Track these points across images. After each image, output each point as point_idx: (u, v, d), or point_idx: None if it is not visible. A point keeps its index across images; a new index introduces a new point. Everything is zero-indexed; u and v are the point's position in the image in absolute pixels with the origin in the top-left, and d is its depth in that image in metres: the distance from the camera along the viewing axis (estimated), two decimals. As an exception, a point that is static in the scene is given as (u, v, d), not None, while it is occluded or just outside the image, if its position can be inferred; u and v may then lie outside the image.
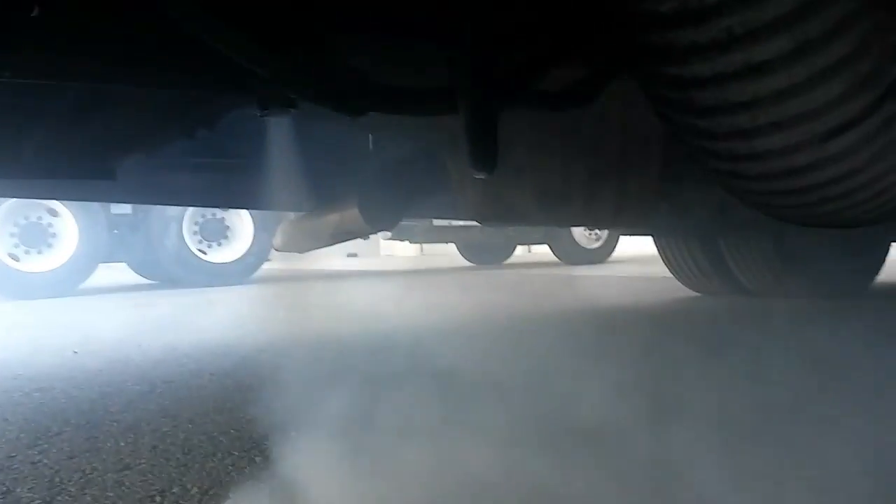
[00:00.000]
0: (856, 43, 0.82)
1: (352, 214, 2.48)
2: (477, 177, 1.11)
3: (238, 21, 0.85)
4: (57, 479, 1.26)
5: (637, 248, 12.50)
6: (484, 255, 10.21)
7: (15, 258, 6.06)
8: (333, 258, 11.78)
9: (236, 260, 6.98)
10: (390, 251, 15.94)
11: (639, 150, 1.86)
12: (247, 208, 6.03)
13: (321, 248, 2.94)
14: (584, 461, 1.09)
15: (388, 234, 8.99)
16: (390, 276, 8.13)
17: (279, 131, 1.87)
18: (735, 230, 3.52)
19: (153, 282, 7.45)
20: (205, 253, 6.87)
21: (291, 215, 3.08)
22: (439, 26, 0.94)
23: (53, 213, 6.21)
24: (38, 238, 6.15)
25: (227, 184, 2.42)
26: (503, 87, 0.98)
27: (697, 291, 4.20)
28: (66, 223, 6.23)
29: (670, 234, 3.94)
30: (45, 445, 1.48)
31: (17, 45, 0.81)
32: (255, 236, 7.03)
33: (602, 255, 9.43)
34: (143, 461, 1.35)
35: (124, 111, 1.32)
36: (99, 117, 1.32)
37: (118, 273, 8.42)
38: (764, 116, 0.85)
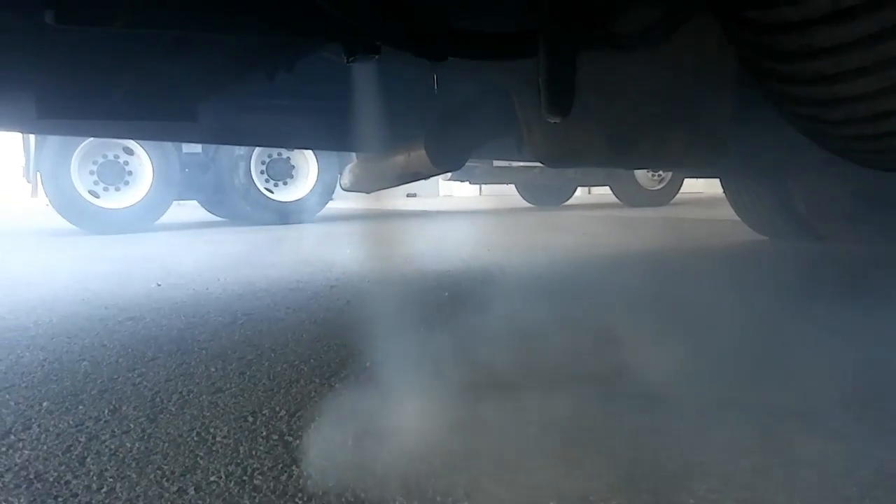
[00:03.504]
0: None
1: (418, 155, 2.52)
2: (550, 120, 1.13)
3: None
4: (157, 400, 1.38)
5: (702, 189, 12.21)
6: (544, 196, 10.15)
7: (95, 195, 6.36)
8: (394, 198, 11.91)
9: (302, 199, 7.16)
10: (450, 192, 15.99)
11: (711, 90, 1.83)
12: (317, 149, 6.15)
13: (387, 188, 3.00)
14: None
15: (448, 174, 9.01)
16: (452, 216, 8.20)
17: (350, 74, 1.91)
18: (807, 172, 3.42)
19: (222, 219, 7.72)
20: (271, 192, 7.07)
21: (356, 156, 3.15)
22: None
23: (129, 151, 6.46)
24: (115, 176, 6.43)
25: (298, 125, 2.48)
26: (582, 29, 0.99)
27: (766, 235, 4.11)
28: (142, 162, 6.49)
29: (739, 176, 3.84)
30: (143, 369, 1.60)
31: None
32: (319, 176, 7.17)
33: (665, 197, 9.24)
34: (233, 385, 1.45)
35: (210, 56, 1.37)
36: (186, 62, 1.38)
37: (190, 210, 8.75)
38: (849, 62, 0.84)
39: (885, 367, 1.40)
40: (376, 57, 0.99)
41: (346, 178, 3.10)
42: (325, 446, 1.08)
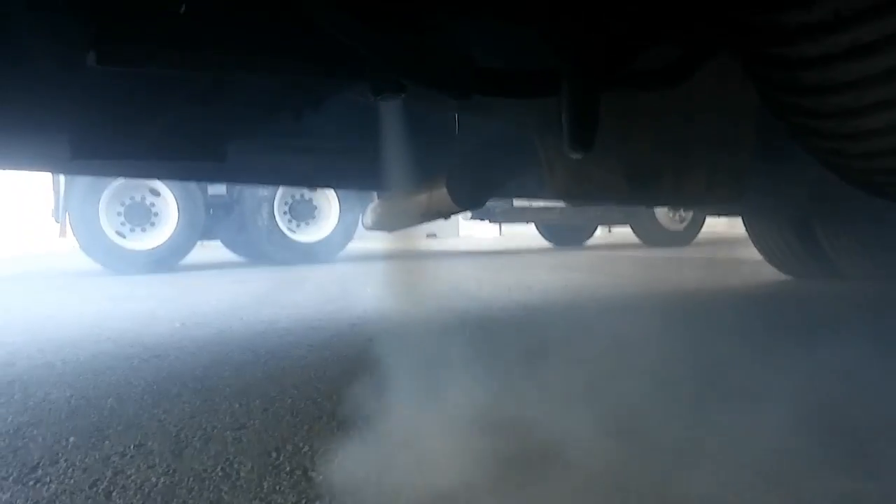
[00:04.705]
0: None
1: (440, 194, 2.54)
2: (572, 156, 1.15)
3: (354, 9, 0.92)
4: (182, 436, 1.38)
5: (724, 230, 12.13)
6: (564, 235, 10.15)
7: (122, 235, 6.47)
8: (414, 238, 11.96)
9: (323, 239, 7.24)
10: (470, 232, 16.04)
11: (731, 127, 1.84)
12: (340, 188, 6.24)
13: (409, 227, 3.03)
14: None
15: (469, 214, 9.07)
16: (472, 257, 8.21)
17: (374, 115, 1.95)
18: (831, 211, 3.40)
19: (245, 259, 7.80)
20: (294, 232, 7.15)
21: (378, 195, 3.19)
22: (544, 9, 0.98)
23: (155, 193, 6.59)
24: (141, 217, 6.55)
25: (323, 164, 2.53)
26: (605, 68, 1.01)
27: (789, 275, 4.07)
28: (168, 203, 6.61)
29: (761, 215, 3.83)
30: (168, 406, 1.62)
31: (165, 39, 0.91)
32: (340, 217, 7.26)
33: (686, 237, 9.19)
34: (256, 422, 1.46)
35: (242, 97, 1.42)
36: (218, 103, 1.43)
37: (213, 251, 8.85)
38: (871, 96, 0.85)
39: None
40: (402, 95, 1.02)
41: (368, 218, 3.14)
42: (348, 482, 1.08)
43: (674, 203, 3.55)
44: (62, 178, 6.43)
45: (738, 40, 0.94)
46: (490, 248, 10.31)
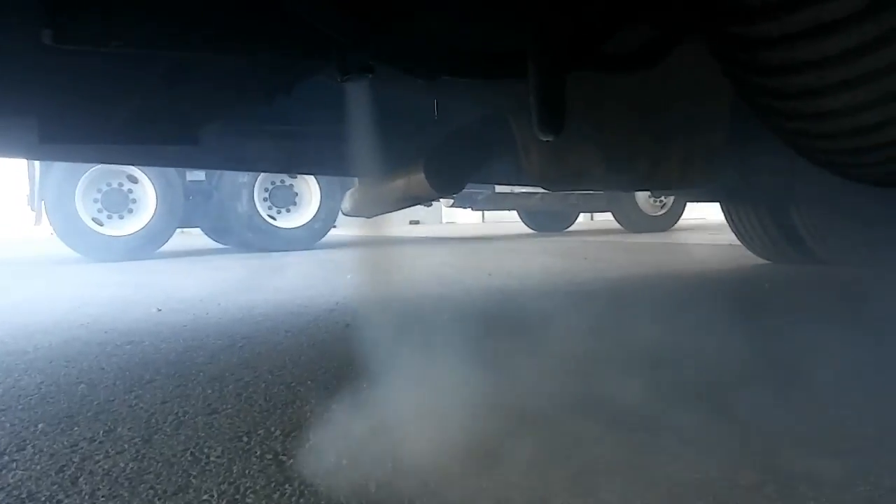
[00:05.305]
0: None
1: (418, 179, 2.53)
2: (543, 139, 1.14)
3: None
4: (153, 421, 1.37)
5: (704, 215, 12.23)
6: (546, 222, 10.19)
7: (99, 223, 6.40)
8: (397, 225, 11.95)
9: (304, 225, 7.19)
10: (452, 218, 16.05)
11: (706, 112, 1.85)
12: (319, 174, 6.20)
13: (387, 212, 3.01)
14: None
15: (451, 201, 9.05)
16: (455, 243, 8.20)
17: (348, 99, 1.93)
18: (807, 196, 3.43)
19: (225, 246, 7.74)
20: (274, 219, 7.10)
21: (357, 181, 3.16)
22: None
23: (133, 180, 6.51)
24: (119, 204, 6.48)
25: (301, 150, 2.50)
26: (572, 49, 1.00)
27: (767, 259, 4.12)
28: (146, 190, 6.53)
29: (739, 201, 3.86)
30: (140, 391, 1.60)
31: (126, 16, 0.89)
32: (321, 203, 7.21)
33: (667, 223, 9.27)
34: (229, 407, 1.45)
35: (210, 79, 1.39)
36: (187, 85, 1.40)
37: (193, 238, 8.78)
38: (832, 75, 0.85)
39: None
40: (370, 76, 1.01)
41: (346, 203, 3.12)
42: (319, 466, 1.07)
43: (650, 187, 3.56)
44: (37, 165, 6.33)
45: (704, 19, 0.94)
46: (473, 235, 10.32)
